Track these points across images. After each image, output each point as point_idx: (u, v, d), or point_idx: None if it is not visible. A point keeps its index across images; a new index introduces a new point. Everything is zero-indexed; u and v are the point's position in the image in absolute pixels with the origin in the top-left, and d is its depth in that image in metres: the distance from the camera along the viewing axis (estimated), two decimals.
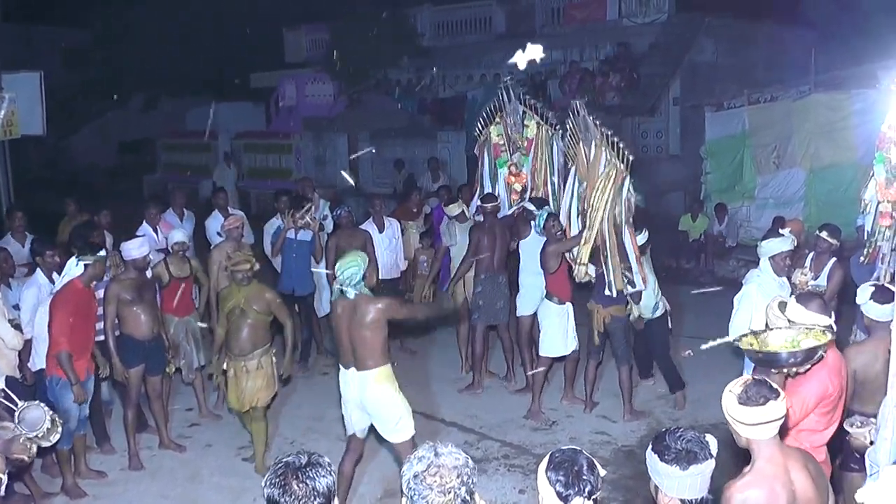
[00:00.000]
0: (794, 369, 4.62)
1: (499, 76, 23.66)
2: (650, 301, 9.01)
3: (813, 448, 4.93)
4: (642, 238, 8.77)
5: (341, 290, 6.44)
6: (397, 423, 6.56)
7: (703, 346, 4.85)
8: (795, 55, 18.44)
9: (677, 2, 21.17)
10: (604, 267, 8.59)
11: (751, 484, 3.75)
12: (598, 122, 8.73)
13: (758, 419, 3.75)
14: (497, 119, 10.54)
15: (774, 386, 3.88)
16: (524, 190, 10.28)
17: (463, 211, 10.52)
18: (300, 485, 3.10)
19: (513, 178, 10.38)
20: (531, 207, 9.45)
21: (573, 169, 9.20)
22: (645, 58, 20.65)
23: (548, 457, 3.33)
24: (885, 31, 14.70)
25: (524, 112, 10.34)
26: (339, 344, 6.65)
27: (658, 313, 9.14)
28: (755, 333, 4.85)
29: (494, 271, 9.78)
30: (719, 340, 4.77)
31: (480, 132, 10.78)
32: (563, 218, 9.17)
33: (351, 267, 6.38)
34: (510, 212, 10.24)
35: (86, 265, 7.32)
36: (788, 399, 4.69)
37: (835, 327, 5.05)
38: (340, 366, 6.71)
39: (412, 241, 11.63)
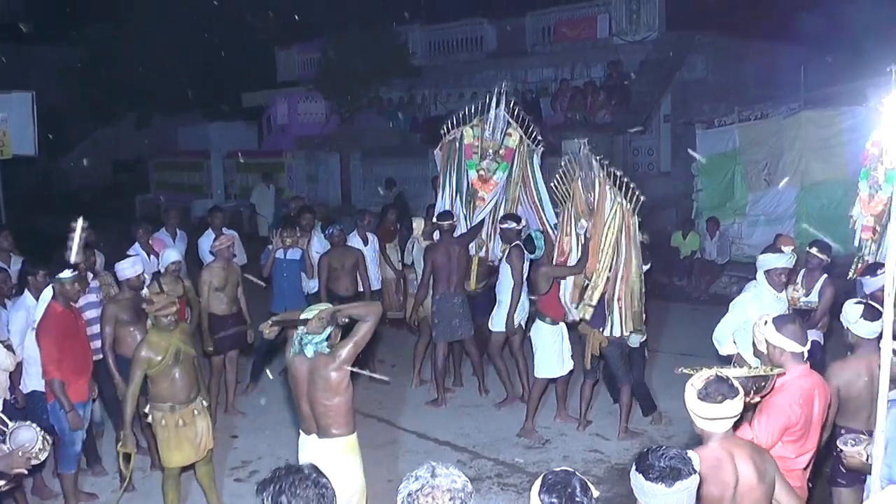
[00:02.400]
0: (746, 399, 4.68)
1: (490, 94, 23.80)
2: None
3: (786, 472, 4.95)
4: (644, 268, 8.84)
5: (300, 345, 5.58)
6: (350, 498, 5.56)
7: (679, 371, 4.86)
8: (785, 72, 18.51)
9: (667, 20, 21.28)
10: (614, 309, 8.56)
11: (701, 450, 4.04)
12: (605, 163, 8.69)
13: (713, 415, 4.08)
14: (475, 121, 10.59)
15: (735, 385, 4.12)
16: (491, 198, 10.42)
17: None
18: (306, 487, 3.26)
19: (480, 184, 10.43)
20: (510, 225, 9.52)
21: (570, 205, 9.18)
22: (636, 75, 20.74)
23: (540, 478, 3.31)
24: (874, 49, 14.77)
25: (508, 121, 10.41)
26: (298, 408, 5.74)
27: (641, 340, 9.12)
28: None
29: (450, 291, 9.83)
30: (682, 369, 4.77)
31: (449, 130, 10.81)
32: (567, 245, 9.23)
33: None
34: (477, 221, 10.41)
35: (54, 287, 7.22)
36: (753, 431, 4.76)
37: (805, 354, 5.06)
38: (301, 430, 5.83)
39: (393, 259, 11.67)
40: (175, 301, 7.19)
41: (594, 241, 8.67)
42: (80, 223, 7.91)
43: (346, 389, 5.54)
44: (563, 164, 9.30)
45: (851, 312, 5.73)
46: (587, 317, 8.65)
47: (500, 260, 9.86)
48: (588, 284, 8.69)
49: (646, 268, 8.87)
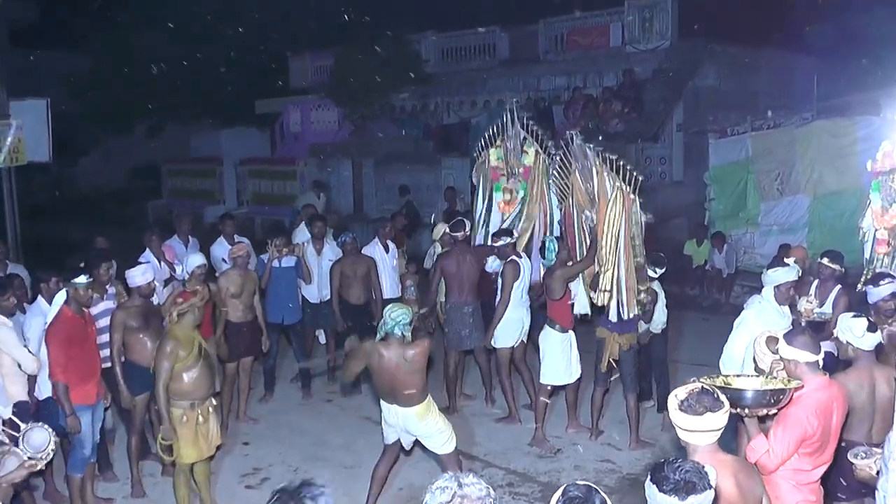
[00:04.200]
0: (763, 411, 4.67)
1: (503, 102, 23.84)
2: (661, 316, 9.14)
3: (801, 485, 4.94)
4: (659, 271, 8.86)
5: (386, 333, 6.75)
6: (442, 441, 7.03)
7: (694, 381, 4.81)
8: (798, 81, 18.49)
9: (680, 28, 21.27)
10: (617, 291, 8.58)
11: None
12: (598, 149, 8.70)
13: (694, 427, 4.03)
14: (498, 142, 10.55)
15: (720, 398, 4.06)
16: (511, 218, 10.37)
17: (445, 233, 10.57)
18: None
19: (505, 206, 10.41)
20: (505, 241, 9.42)
21: (571, 200, 9.20)
22: (648, 84, 20.73)
23: (562, 489, 3.28)
24: (888, 59, 14.75)
25: (525, 138, 10.35)
26: (380, 384, 6.93)
27: (663, 327, 9.20)
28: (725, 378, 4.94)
29: (461, 300, 9.74)
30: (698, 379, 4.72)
31: (479, 154, 10.81)
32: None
33: (401, 310, 6.83)
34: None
35: (67, 292, 7.28)
36: (769, 442, 4.73)
37: (821, 363, 5.03)
38: (381, 399, 7.03)
39: (400, 265, 11.68)
40: (205, 297, 7.41)
41: (600, 229, 8.67)
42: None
43: (424, 367, 6.82)
44: (557, 158, 9.30)
45: (857, 327, 5.69)
46: (605, 302, 8.65)
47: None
48: (599, 270, 8.71)
49: (660, 272, 8.87)
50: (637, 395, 8.89)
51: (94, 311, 7.88)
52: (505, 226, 10.22)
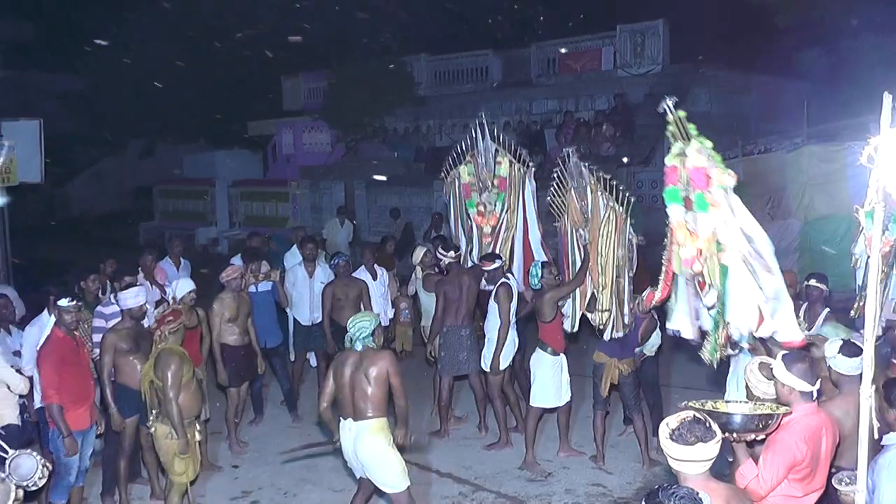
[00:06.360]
0: (751, 436, 4.69)
1: (495, 125, 23.94)
2: (657, 339, 9.09)
3: None
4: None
5: (350, 341, 6.62)
6: (389, 475, 6.64)
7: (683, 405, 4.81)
8: (788, 106, 18.58)
9: (671, 53, 21.42)
10: (617, 309, 8.60)
11: None
12: (593, 168, 8.76)
13: (684, 456, 4.01)
14: (468, 158, 10.59)
15: (713, 427, 4.04)
16: (494, 231, 10.37)
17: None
18: None
19: (481, 219, 10.43)
20: (496, 265, 9.39)
21: (566, 218, 9.25)
22: (639, 108, 20.83)
23: None
24: (877, 84, 14.82)
25: (496, 150, 10.40)
26: (339, 394, 6.69)
27: (655, 347, 9.19)
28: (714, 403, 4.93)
29: (458, 324, 9.66)
30: (687, 403, 4.72)
31: (448, 173, 10.84)
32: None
33: (363, 321, 6.66)
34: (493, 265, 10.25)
35: (56, 314, 7.29)
36: (759, 468, 4.73)
37: (815, 394, 5.04)
38: (340, 417, 6.75)
39: (392, 289, 11.65)
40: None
41: (593, 248, 8.71)
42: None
43: (384, 382, 6.55)
44: (554, 176, 9.32)
45: (829, 348, 5.69)
46: (604, 322, 8.66)
47: (490, 298, 9.60)
48: (595, 292, 8.73)
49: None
50: (643, 415, 8.81)
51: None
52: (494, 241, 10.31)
